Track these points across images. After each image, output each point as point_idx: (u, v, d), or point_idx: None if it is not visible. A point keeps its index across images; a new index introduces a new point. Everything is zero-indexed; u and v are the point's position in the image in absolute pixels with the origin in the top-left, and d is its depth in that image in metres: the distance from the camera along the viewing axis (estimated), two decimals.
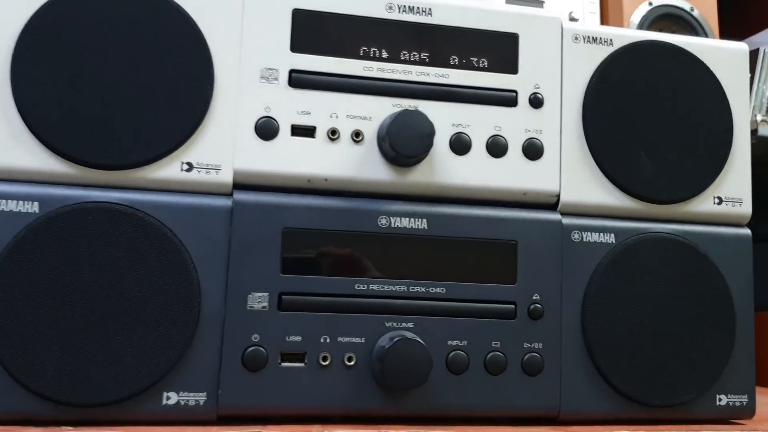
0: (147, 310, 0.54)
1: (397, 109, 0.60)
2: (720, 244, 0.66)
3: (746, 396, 0.65)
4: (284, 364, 0.56)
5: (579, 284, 0.62)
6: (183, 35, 0.57)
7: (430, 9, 0.62)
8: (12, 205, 0.54)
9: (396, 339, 0.56)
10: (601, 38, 0.65)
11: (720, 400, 0.64)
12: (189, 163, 0.57)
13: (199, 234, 0.56)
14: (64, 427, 0.52)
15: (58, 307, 0.53)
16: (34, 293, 0.52)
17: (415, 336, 0.57)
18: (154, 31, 0.57)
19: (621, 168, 0.64)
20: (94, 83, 0.55)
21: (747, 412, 0.65)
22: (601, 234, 0.63)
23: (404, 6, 0.62)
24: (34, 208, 0.54)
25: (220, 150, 0.58)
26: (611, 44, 0.65)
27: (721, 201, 0.66)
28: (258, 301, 0.56)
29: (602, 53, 0.65)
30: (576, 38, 0.65)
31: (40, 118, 0.54)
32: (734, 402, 0.64)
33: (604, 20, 1.40)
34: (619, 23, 1.37)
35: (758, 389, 0.67)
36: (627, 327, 0.62)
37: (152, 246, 0.55)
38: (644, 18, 1.42)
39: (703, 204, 0.66)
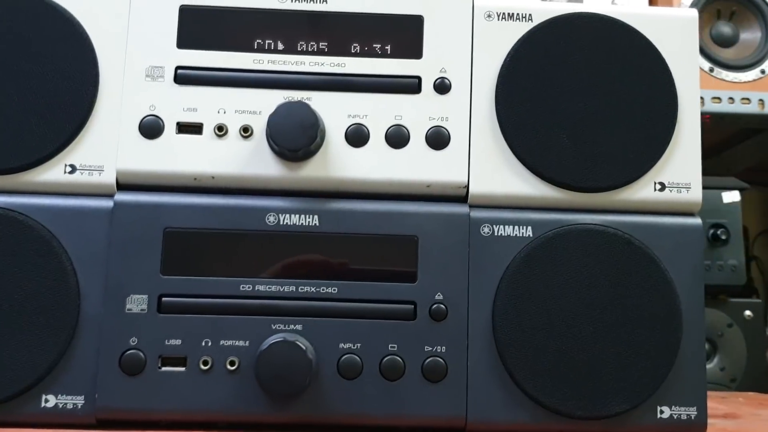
0: (26, 313, 0.54)
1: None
2: (662, 236, 0.58)
3: (695, 408, 0.57)
4: (164, 369, 0.55)
5: (489, 282, 0.57)
6: (67, 39, 0.57)
7: None
8: None
9: (272, 342, 0.53)
10: (518, 14, 0.60)
11: (662, 412, 0.57)
12: (72, 165, 0.57)
13: (80, 236, 0.56)
14: None
15: None
16: None
17: (298, 339, 0.54)
18: (37, 36, 0.57)
19: (538, 153, 0.58)
20: None
21: (696, 426, 0.57)
22: (516, 227, 0.58)
23: None
24: None
25: (104, 151, 0.57)
26: (530, 20, 0.60)
27: (663, 187, 0.59)
28: (137, 303, 0.55)
29: (520, 30, 0.60)
30: (489, 15, 0.60)
31: None
32: (680, 415, 0.57)
33: (652, 4, 1.31)
34: (670, 6, 1.28)
35: None
36: (545, 329, 0.56)
37: (31, 249, 0.55)
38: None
39: (642, 191, 0.59)
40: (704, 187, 1.25)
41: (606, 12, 0.60)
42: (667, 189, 0.59)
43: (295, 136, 0.55)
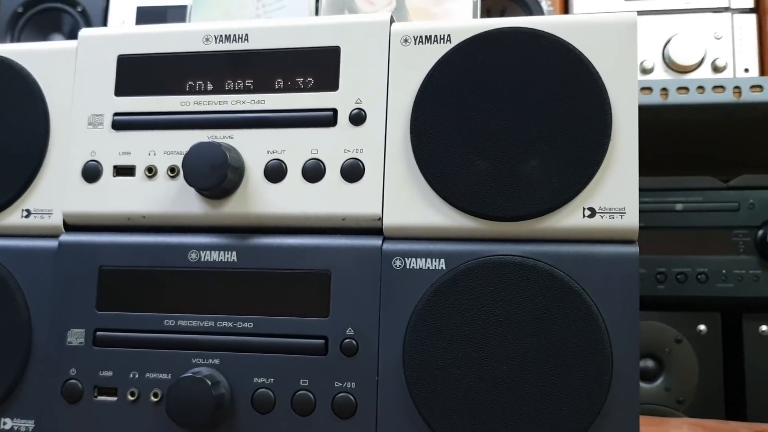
0: None
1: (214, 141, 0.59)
2: (591, 266, 0.53)
3: None
4: (99, 398, 0.59)
5: (401, 317, 0.55)
6: (22, 95, 0.63)
7: (246, 35, 0.60)
8: None
9: (181, 377, 0.55)
10: (436, 36, 0.57)
11: None
12: (28, 210, 0.62)
13: (32, 274, 0.61)
14: None
15: None
16: None
17: (212, 373, 0.56)
18: (3, 100, 0.63)
19: (452, 182, 0.55)
20: None
21: None
22: (429, 260, 0.55)
23: (221, 36, 0.61)
24: None
25: (53, 196, 0.62)
26: (449, 41, 0.57)
27: (594, 213, 0.54)
28: (75, 337, 0.60)
29: (438, 53, 0.57)
30: (406, 40, 0.58)
31: None
32: None
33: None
34: None
35: None
36: (456, 367, 0.53)
37: None
38: None
39: (569, 218, 0.54)
40: None
41: (531, 24, 0.56)
42: (597, 215, 0.54)
43: (205, 175, 0.57)
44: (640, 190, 1.06)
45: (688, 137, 1.13)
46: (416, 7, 0.81)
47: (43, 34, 1.28)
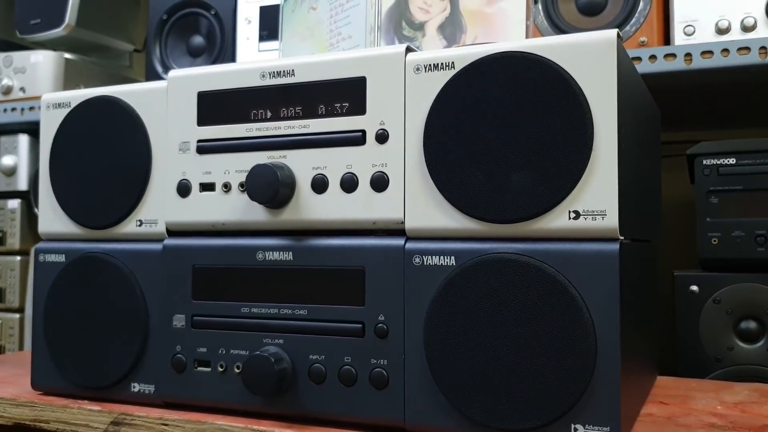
0: (116, 326, 0.78)
1: (271, 161, 0.72)
2: (576, 262, 0.61)
3: (608, 428, 0.60)
4: (198, 369, 0.75)
5: (421, 306, 0.66)
6: (131, 128, 0.79)
7: (292, 70, 0.72)
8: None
9: (252, 354, 0.70)
10: (442, 63, 0.66)
11: (576, 430, 0.61)
12: (140, 220, 0.79)
13: (146, 271, 0.78)
14: (80, 400, 0.80)
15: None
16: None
17: (278, 351, 0.70)
18: (111, 131, 0.80)
19: (457, 189, 0.64)
20: (77, 173, 0.81)
21: None
22: (441, 257, 0.65)
23: (273, 71, 0.73)
24: (60, 258, 0.82)
25: (158, 208, 0.78)
26: (453, 67, 0.66)
27: (578, 215, 0.61)
28: (179, 321, 0.76)
29: (444, 78, 0.66)
30: (417, 69, 0.67)
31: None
32: None
33: None
34: None
35: None
36: (465, 348, 0.64)
37: (116, 280, 0.78)
38: None
39: (556, 220, 0.62)
40: None
41: (519, 48, 0.63)
42: (581, 217, 0.61)
43: (262, 191, 0.70)
44: (741, 151, 1.08)
45: None
46: (470, 10, 0.89)
47: (185, 37, 1.46)
